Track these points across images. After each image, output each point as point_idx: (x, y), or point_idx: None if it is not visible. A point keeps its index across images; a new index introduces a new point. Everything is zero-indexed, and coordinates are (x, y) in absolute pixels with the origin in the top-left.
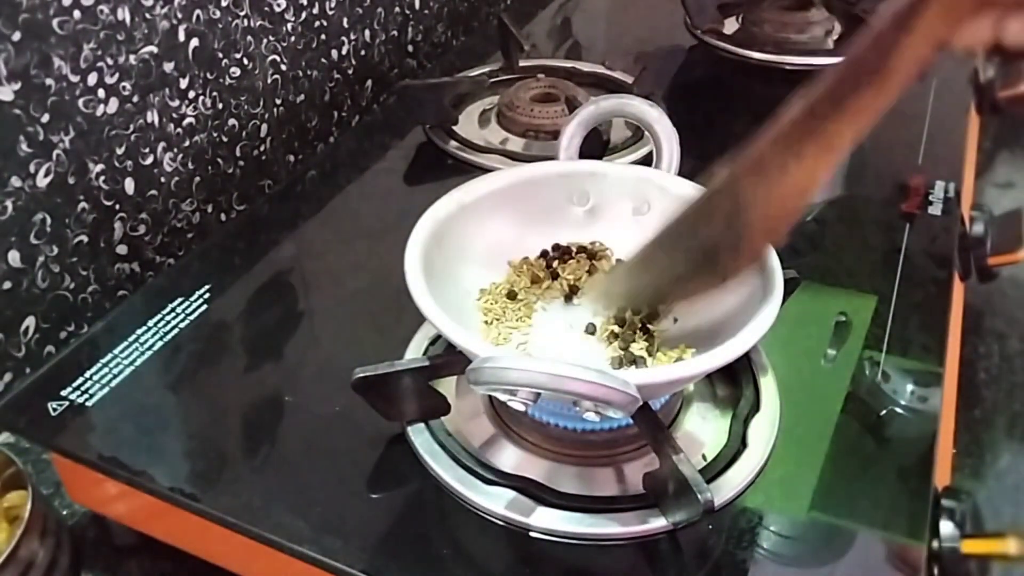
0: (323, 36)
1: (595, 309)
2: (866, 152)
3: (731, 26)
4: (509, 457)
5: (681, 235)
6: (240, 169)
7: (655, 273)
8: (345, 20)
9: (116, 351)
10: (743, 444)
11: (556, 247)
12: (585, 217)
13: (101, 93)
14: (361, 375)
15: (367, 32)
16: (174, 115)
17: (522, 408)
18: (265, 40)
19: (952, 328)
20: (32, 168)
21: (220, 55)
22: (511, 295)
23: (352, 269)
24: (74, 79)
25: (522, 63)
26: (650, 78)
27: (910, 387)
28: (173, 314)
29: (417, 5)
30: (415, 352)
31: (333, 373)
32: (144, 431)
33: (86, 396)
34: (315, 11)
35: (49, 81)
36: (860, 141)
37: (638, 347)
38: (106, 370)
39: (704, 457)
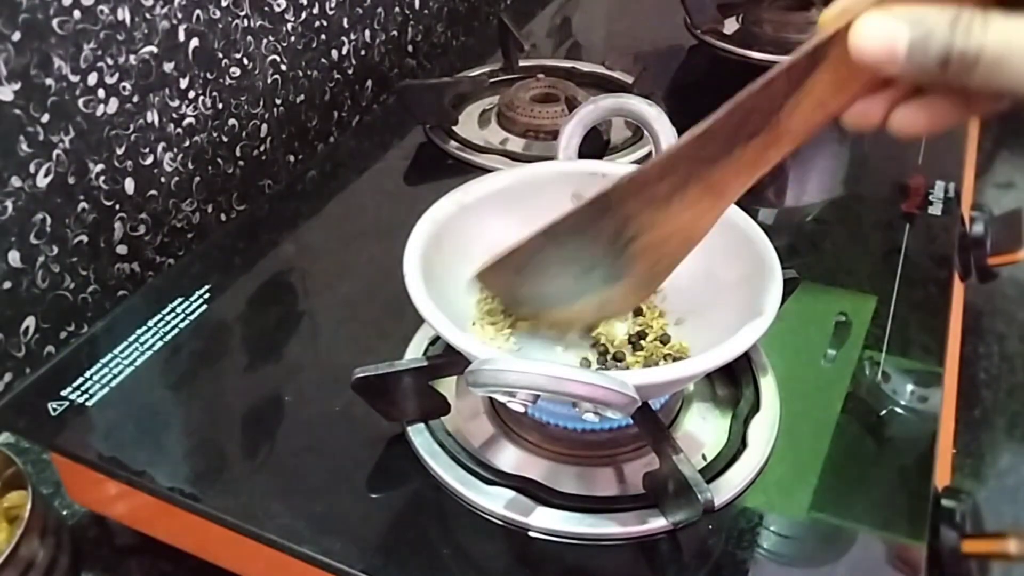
0: (323, 36)
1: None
2: (866, 152)
3: (731, 26)
4: (509, 457)
5: (565, 241)
6: (240, 169)
7: (541, 270)
8: (345, 20)
9: (116, 351)
10: (743, 444)
11: None
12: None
13: (101, 93)
14: (361, 375)
15: (367, 32)
16: (174, 115)
17: (521, 409)
18: (265, 40)
19: (952, 328)
20: (32, 168)
21: (220, 55)
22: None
23: (352, 269)
24: (74, 79)
25: (522, 63)
26: (650, 78)
27: (910, 387)
28: (173, 314)
29: (417, 5)
30: (415, 352)
31: (333, 373)
32: (144, 431)
33: (86, 396)
34: (315, 11)
35: (49, 81)
36: (741, 194)
37: (632, 360)
38: (106, 370)
39: (704, 457)
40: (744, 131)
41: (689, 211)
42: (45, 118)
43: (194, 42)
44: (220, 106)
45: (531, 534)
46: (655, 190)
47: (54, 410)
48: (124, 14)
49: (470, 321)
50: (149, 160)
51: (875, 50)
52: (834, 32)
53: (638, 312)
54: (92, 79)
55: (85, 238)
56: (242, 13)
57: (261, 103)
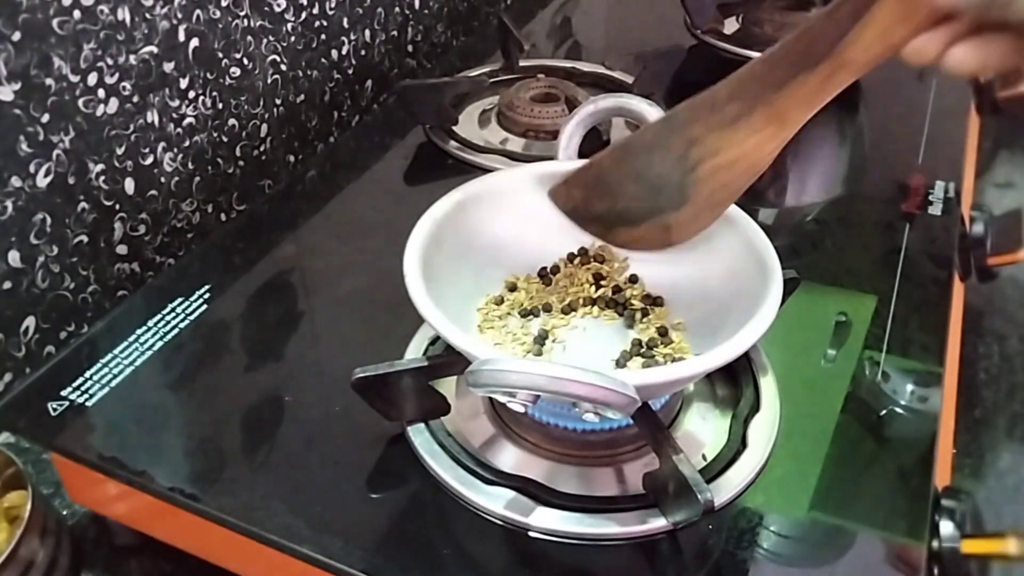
0: (323, 36)
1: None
2: (866, 152)
3: (731, 26)
4: (509, 457)
5: (636, 158)
6: (240, 169)
7: (611, 187)
8: (345, 20)
9: (116, 351)
10: (743, 444)
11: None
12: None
13: (101, 93)
14: (361, 375)
15: (367, 32)
16: (174, 115)
17: (521, 409)
18: (265, 40)
19: (952, 328)
20: (32, 168)
21: (220, 55)
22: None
23: (352, 269)
24: (74, 79)
25: (522, 63)
26: (650, 78)
27: (910, 387)
28: (173, 314)
29: (417, 5)
30: (415, 352)
31: (333, 373)
32: (144, 431)
33: (86, 396)
34: (315, 11)
35: (49, 81)
36: (803, 123)
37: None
38: (106, 370)
39: (704, 457)
40: (809, 58)
41: (753, 137)
42: (45, 118)
43: (194, 42)
44: (220, 106)
45: (531, 534)
46: (722, 113)
47: (54, 410)
48: (124, 14)
49: (470, 321)
50: (149, 160)
51: None
52: None
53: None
54: (92, 79)
55: (85, 238)
56: (242, 13)
57: (261, 103)
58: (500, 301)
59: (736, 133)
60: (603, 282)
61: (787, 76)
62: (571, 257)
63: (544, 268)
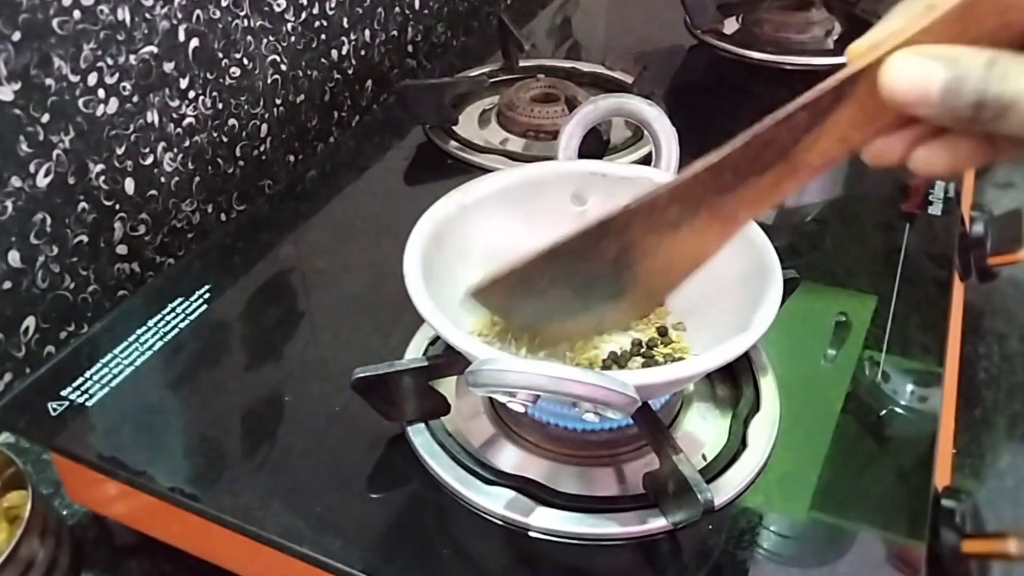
0: (323, 36)
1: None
2: None
3: (731, 26)
4: (509, 457)
5: (565, 263)
6: (240, 169)
7: (537, 292)
8: (345, 20)
9: (116, 351)
10: (743, 444)
11: None
12: (585, 217)
13: (101, 93)
14: (361, 375)
15: (367, 32)
16: (174, 115)
17: (521, 409)
18: (265, 40)
19: (952, 328)
20: (32, 168)
21: (220, 55)
22: None
23: (352, 269)
24: (74, 79)
25: (522, 63)
26: (650, 78)
27: (910, 387)
28: (173, 314)
29: (417, 5)
30: (415, 352)
31: (333, 373)
32: (144, 431)
33: (86, 396)
34: (315, 11)
35: (49, 81)
36: (752, 222)
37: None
38: (106, 370)
39: (704, 457)
40: (760, 163)
41: (696, 237)
42: (45, 118)
43: (194, 42)
44: (220, 106)
45: (531, 534)
46: (663, 216)
47: (54, 410)
48: (124, 14)
49: (470, 321)
50: (149, 160)
51: (907, 90)
52: (863, 67)
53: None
54: (92, 79)
55: (85, 238)
56: (242, 13)
57: (261, 103)
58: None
59: (676, 235)
60: None
61: (735, 182)
62: None
63: None
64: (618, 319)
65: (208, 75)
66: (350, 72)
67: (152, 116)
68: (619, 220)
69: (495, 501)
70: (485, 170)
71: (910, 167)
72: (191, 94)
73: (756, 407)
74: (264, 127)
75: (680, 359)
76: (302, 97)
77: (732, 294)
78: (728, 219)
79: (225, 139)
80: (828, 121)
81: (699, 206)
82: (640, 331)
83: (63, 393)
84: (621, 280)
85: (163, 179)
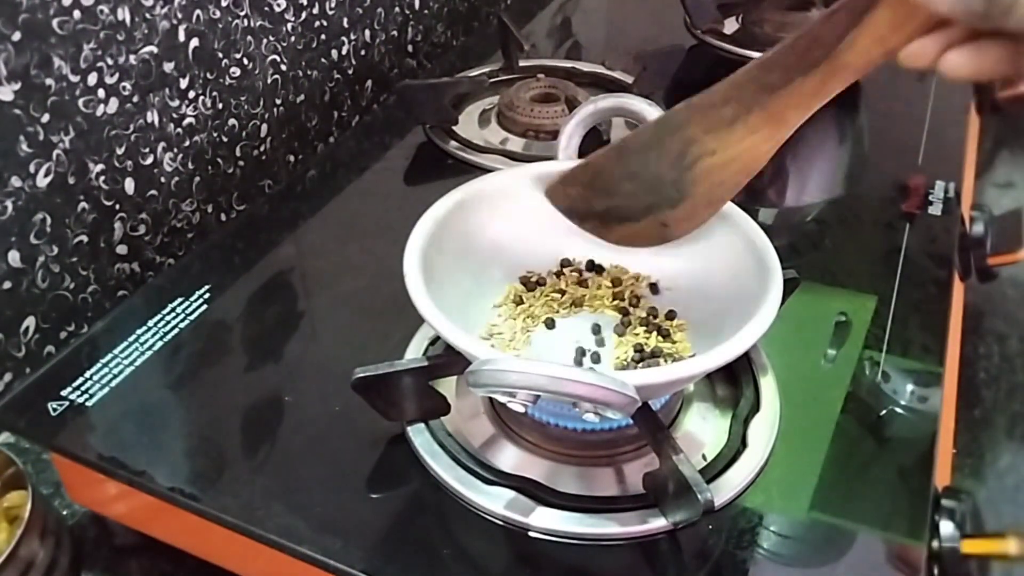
0: (323, 36)
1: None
2: (866, 152)
3: (731, 26)
4: (509, 457)
5: (632, 158)
6: (240, 169)
7: (608, 186)
8: (345, 20)
9: (116, 351)
10: (743, 444)
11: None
12: None
13: (101, 93)
14: (361, 375)
15: (367, 32)
16: (174, 115)
17: (521, 409)
18: (265, 40)
19: (952, 328)
20: (32, 168)
21: (220, 55)
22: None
23: (352, 269)
24: (74, 79)
25: (522, 63)
26: (650, 78)
27: (910, 387)
28: (173, 314)
29: (417, 5)
30: (415, 352)
31: (333, 373)
32: (144, 431)
33: (86, 396)
34: (315, 11)
35: (49, 81)
36: (799, 124)
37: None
38: (106, 370)
39: (704, 457)
40: (806, 61)
41: (750, 137)
42: (45, 118)
43: (194, 42)
44: (220, 106)
45: (531, 534)
46: (719, 114)
47: (54, 410)
48: (124, 14)
49: (470, 321)
50: (149, 160)
51: None
52: None
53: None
54: (92, 79)
55: (85, 238)
56: (242, 13)
57: (261, 103)
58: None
59: (732, 134)
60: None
61: (783, 80)
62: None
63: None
64: (680, 223)
65: (208, 75)
66: (350, 72)
67: (152, 116)
68: (679, 116)
69: (495, 501)
70: (485, 170)
71: (940, 70)
72: (191, 94)
73: (756, 407)
74: (264, 127)
75: (680, 359)
76: (302, 97)
77: (732, 294)
78: (779, 120)
79: (225, 139)
80: (866, 21)
81: (751, 105)
82: (644, 337)
83: (63, 393)
84: (683, 181)
85: (163, 179)
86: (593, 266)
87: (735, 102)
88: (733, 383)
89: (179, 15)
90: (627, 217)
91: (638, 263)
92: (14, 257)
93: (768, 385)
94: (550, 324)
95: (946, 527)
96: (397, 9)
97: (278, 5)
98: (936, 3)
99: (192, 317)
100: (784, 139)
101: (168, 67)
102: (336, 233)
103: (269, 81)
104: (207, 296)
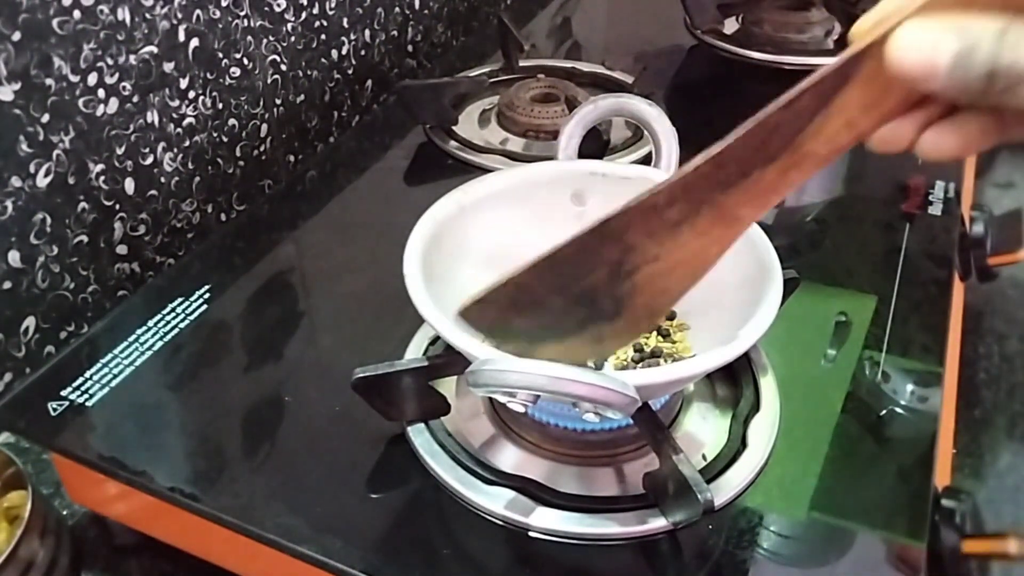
0: (323, 36)
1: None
2: (866, 152)
3: (731, 26)
4: (509, 457)
5: (563, 271)
6: (240, 169)
7: (533, 303)
8: (345, 20)
9: (116, 351)
10: (743, 444)
11: None
12: (585, 217)
13: (101, 93)
14: (361, 375)
15: (367, 32)
16: (174, 115)
17: (521, 409)
18: (265, 40)
19: (952, 328)
20: (32, 168)
21: (220, 55)
22: None
23: (352, 269)
24: (74, 79)
25: (522, 63)
26: (650, 78)
27: (910, 387)
28: (173, 314)
29: (417, 5)
30: (415, 352)
31: (333, 373)
32: (144, 431)
33: (86, 396)
34: (315, 11)
35: (49, 81)
36: (755, 222)
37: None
38: (106, 370)
39: (704, 457)
40: (764, 153)
41: (698, 240)
42: (45, 118)
43: (194, 42)
44: (220, 106)
45: (531, 534)
46: (663, 217)
47: (54, 410)
48: (124, 14)
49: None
50: (149, 160)
51: (915, 62)
52: (868, 45)
53: None
54: (92, 79)
55: (85, 238)
56: (242, 13)
57: (261, 103)
58: None
59: (678, 237)
60: None
61: (738, 175)
62: None
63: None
64: (617, 337)
65: (208, 75)
66: (350, 72)
67: (152, 116)
68: (618, 221)
69: (495, 501)
70: (485, 170)
71: (919, 152)
72: (191, 94)
73: (756, 407)
74: (264, 127)
75: (680, 359)
76: (302, 97)
77: (732, 294)
78: (731, 219)
79: (225, 139)
80: (834, 104)
81: (701, 204)
82: (644, 338)
83: (63, 393)
84: (620, 291)
85: (163, 179)
86: None
87: (682, 202)
88: (733, 383)
89: (179, 15)
90: (557, 335)
91: None
92: (14, 257)
93: (768, 385)
94: None
95: (946, 527)
96: (397, 9)
97: (278, 5)
98: (925, 81)
99: (192, 317)
100: (737, 239)
101: (168, 67)
102: (336, 233)
103: (269, 81)
104: (207, 296)
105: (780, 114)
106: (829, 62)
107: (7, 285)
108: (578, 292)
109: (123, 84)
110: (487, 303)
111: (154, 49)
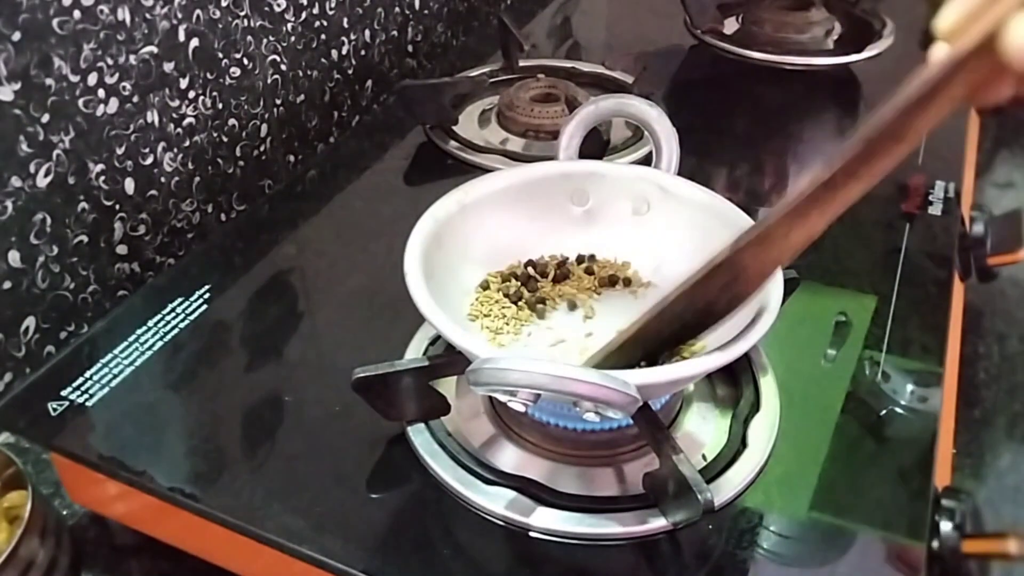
0: (323, 36)
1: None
2: None
3: (731, 26)
4: (509, 457)
5: (677, 310)
6: (240, 169)
7: (646, 340)
8: (345, 20)
9: (116, 351)
10: (743, 444)
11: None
12: (584, 217)
13: (101, 93)
14: (361, 375)
15: (367, 32)
16: (174, 115)
17: (522, 408)
18: (265, 40)
19: (952, 328)
20: (32, 168)
21: (220, 55)
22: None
23: (352, 269)
24: (74, 79)
25: (522, 63)
26: (650, 78)
27: (910, 387)
28: (173, 314)
29: (417, 5)
30: (415, 352)
31: (333, 373)
32: (144, 431)
33: (86, 396)
34: (315, 11)
35: (49, 81)
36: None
37: None
38: (106, 370)
39: (704, 457)
40: (872, 155)
41: (804, 230)
42: (45, 118)
43: (194, 42)
44: (220, 106)
45: (531, 534)
46: (775, 234)
47: (54, 410)
48: (124, 14)
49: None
50: (149, 160)
51: None
52: (977, 44)
53: None
54: (92, 79)
55: (85, 238)
56: (242, 13)
57: (261, 103)
58: (486, 286)
59: (787, 241)
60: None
61: (846, 180)
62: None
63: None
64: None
65: (208, 75)
66: (350, 72)
67: (152, 116)
68: (726, 263)
69: (495, 501)
70: (485, 170)
71: None
72: (191, 94)
73: (756, 407)
74: (264, 127)
75: (681, 359)
76: (302, 97)
77: None
78: (840, 204)
79: (225, 139)
80: (940, 97)
81: (810, 211)
82: None
83: (63, 393)
84: (732, 296)
85: (163, 179)
86: (593, 266)
87: (792, 220)
88: (733, 383)
89: (179, 15)
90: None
91: (639, 264)
92: (14, 257)
93: (768, 385)
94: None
95: (946, 527)
96: (397, 9)
97: (278, 5)
98: None
99: (192, 317)
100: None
101: (168, 67)
102: (336, 233)
103: (269, 81)
104: (207, 296)
105: (890, 125)
106: (934, 72)
107: (7, 285)
108: (694, 310)
109: (123, 84)
110: (612, 357)
111: (154, 49)
